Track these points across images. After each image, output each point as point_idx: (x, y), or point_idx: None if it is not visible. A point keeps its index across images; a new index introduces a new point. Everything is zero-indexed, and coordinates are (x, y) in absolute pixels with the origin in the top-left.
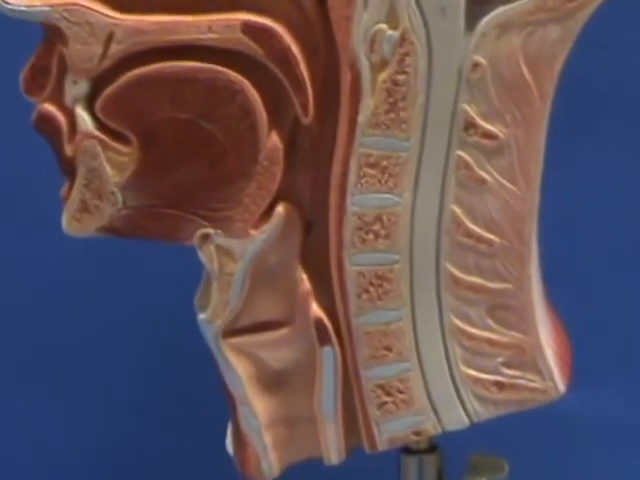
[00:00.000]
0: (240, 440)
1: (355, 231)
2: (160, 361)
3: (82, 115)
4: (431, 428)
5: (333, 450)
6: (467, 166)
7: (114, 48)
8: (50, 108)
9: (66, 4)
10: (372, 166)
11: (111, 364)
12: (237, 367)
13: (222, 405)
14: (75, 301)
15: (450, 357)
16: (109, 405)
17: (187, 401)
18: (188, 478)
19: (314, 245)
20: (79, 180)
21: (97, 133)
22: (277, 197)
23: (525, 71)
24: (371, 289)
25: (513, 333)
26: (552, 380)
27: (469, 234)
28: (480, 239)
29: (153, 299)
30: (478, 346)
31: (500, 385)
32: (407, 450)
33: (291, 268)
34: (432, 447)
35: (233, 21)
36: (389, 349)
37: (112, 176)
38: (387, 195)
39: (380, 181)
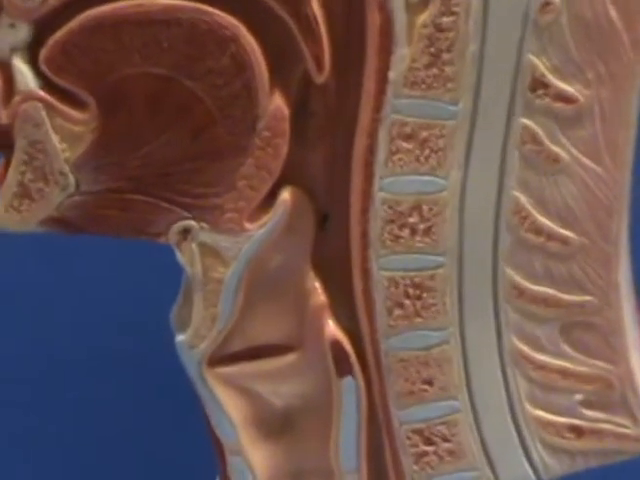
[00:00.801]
0: None
1: (385, 225)
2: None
3: (22, 69)
4: None
5: None
6: (535, 139)
7: None
8: None
9: None
10: (408, 138)
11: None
12: (227, 406)
13: (208, 455)
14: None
15: (512, 393)
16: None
17: (160, 447)
18: None
19: (330, 244)
20: (18, 156)
21: (42, 94)
22: (281, 180)
23: (613, 12)
24: (406, 302)
25: (596, 362)
26: None
27: (538, 229)
28: (552, 236)
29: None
30: (549, 379)
31: (578, 430)
32: None
33: (300, 274)
34: None
35: None
36: (430, 383)
37: (62, 151)
38: (428, 177)
39: (418, 158)
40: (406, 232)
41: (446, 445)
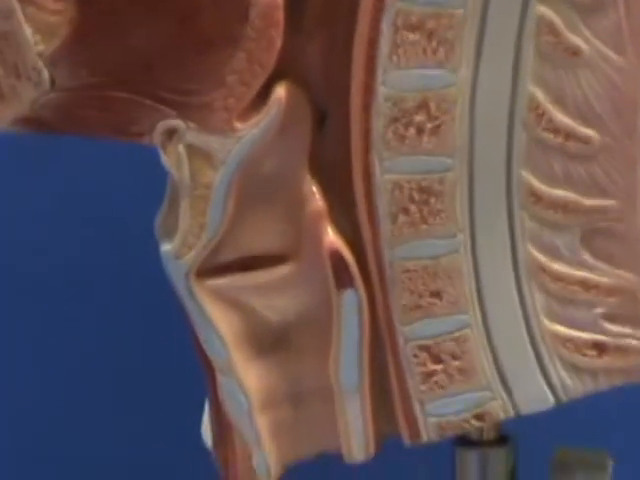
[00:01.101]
0: (222, 427)
1: (389, 124)
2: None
3: None
4: (499, 410)
5: (357, 440)
6: (553, 28)
7: None
8: None
9: None
10: (414, 29)
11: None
12: (217, 321)
13: (196, 379)
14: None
15: (528, 307)
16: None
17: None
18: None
19: (329, 145)
20: None
21: None
22: (276, 74)
23: None
24: (412, 208)
25: (620, 272)
26: None
27: (556, 128)
28: (571, 135)
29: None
30: (568, 291)
31: (600, 347)
32: (465, 442)
33: (296, 178)
34: (501, 438)
35: None
36: (438, 295)
37: (35, 44)
38: (436, 71)
39: (425, 51)
40: (412, 131)
41: (456, 363)
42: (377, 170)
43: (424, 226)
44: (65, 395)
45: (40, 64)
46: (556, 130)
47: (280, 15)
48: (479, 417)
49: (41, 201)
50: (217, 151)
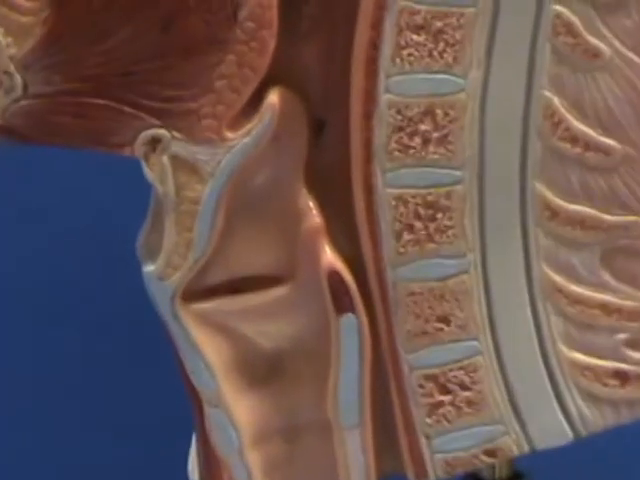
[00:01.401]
0: (209, 463)
1: (392, 133)
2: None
3: None
4: (513, 445)
5: (357, 477)
6: (571, 29)
7: None
8: None
9: None
10: (419, 29)
11: None
12: (205, 348)
13: (183, 409)
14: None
15: (543, 332)
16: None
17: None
18: None
19: (327, 156)
20: None
21: None
22: (269, 79)
23: None
24: (418, 224)
25: None
26: None
27: (573, 137)
28: (591, 145)
29: None
30: (587, 315)
31: (622, 376)
32: None
33: (291, 192)
34: (515, 475)
35: None
36: (446, 320)
37: (6, 46)
38: (443, 76)
39: (432, 54)
40: (417, 141)
41: (465, 394)
42: (379, 183)
43: (430, 244)
44: (39, 417)
45: (12, 68)
46: (574, 139)
47: (273, 15)
48: (490, 453)
49: (23, 209)
50: (205, 163)
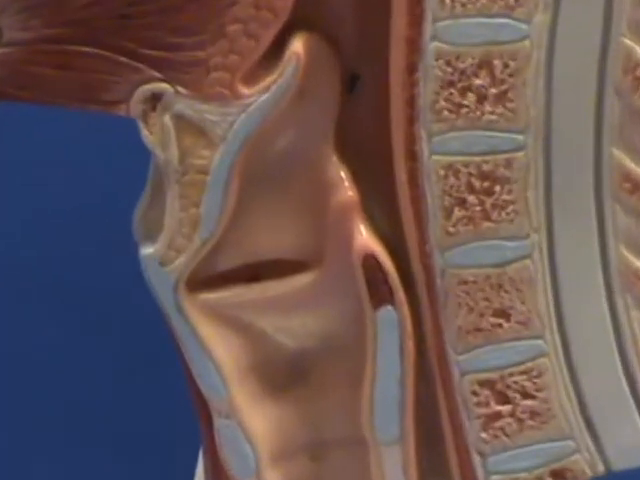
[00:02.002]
0: None
1: (441, 89)
2: None
3: None
4: (585, 465)
5: None
6: None
7: None
8: None
9: None
10: None
11: None
12: (215, 348)
13: (189, 421)
14: None
15: (623, 331)
16: None
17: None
18: None
19: (362, 117)
20: None
21: None
22: (292, 23)
23: None
24: (471, 199)
25: None
26: None
27: None
28: None
29: None
30: None
31: None
32: None
33: (319, 160)
34: None
35: None
36: (505, 315)
37: None
38: (502, 20)
39: None
40: (471, 99)
41: (528, 403)
42: (425, 149)
43: (487, 223)
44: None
45: None
46: None
47: None
48: (558, 474)
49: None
50: (215, 124)
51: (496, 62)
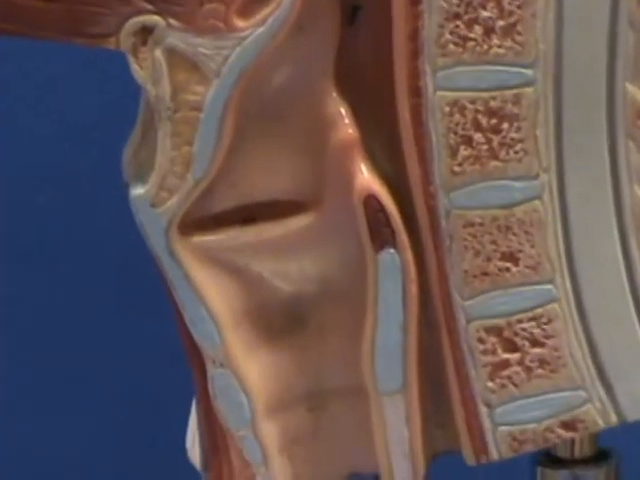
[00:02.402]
0: (213, 436)
1: (446, 21)
2: None
3: None
4: (597, 415)
5: (400, 460)
6: None
7: None
8: None
9: None
10: None
11: None
12: (209, 293)
13: (181, 370)
14: None
15: (636, 273)
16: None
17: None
18: None
19: (362, 50)
20: None
21: None
22: None
23: None
24: (478, 137)
25: None
26: None
27: None
28: None
29: None
30: None
31: None
32: (550, 460)
33: (318, 96)
34: (598, 454)
35: None
36: (513, 258)
37: None
38: None
39: None
40: (477, 31)
41: (537, 351)
42: (429, 85)
43: (494, 163)
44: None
45: None
46: None
47: None
48: (568, 426)
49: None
50: (209, 58)
51: None
